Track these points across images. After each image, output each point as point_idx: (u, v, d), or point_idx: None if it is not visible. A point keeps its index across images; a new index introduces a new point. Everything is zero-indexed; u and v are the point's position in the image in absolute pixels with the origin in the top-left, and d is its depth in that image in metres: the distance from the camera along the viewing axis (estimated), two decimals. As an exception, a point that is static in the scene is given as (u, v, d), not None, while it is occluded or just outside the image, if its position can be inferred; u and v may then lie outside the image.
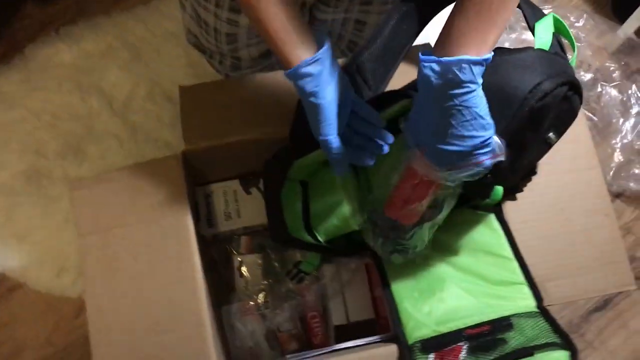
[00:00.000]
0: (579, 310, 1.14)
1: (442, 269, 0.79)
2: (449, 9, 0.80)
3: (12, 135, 1.09)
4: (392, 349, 0.75)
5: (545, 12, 1.12)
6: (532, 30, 0.68)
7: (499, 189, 0.68)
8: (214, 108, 0.83)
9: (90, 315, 0.75)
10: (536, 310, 0.73)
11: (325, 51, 0.60)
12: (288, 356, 0.91)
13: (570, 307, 1.14)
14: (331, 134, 0.63)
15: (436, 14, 0.80)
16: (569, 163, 0.82)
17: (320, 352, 0.84)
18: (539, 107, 0.61)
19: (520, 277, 0.75)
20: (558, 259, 0.78)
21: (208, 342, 0.74)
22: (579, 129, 0.84)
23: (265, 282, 0.94)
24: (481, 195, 0.69)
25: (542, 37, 0.66)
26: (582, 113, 0.84)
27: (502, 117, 0.61)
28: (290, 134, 0.79)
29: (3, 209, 1.06)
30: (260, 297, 0.93)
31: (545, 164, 0.79)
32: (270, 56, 0.99)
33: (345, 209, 0.77)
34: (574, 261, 0.78)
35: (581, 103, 0.67)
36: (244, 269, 0.95)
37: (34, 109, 1.10)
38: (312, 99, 0.62)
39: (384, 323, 0.89)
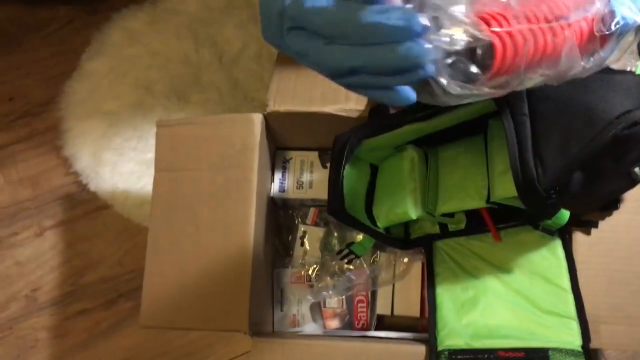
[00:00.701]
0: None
1: (492, 284, 0.76)
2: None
3: (130, 69, 1.18)
4: (422, 349, 0.74)
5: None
6: (640, 54, 0.63)
7: (565, 213, 0.64)
8: (305, 77, 0.85)
9: (150, 246, 0.81)
10: (580, 349, 0.69)
11: None
12: (324, 330, 0.92)
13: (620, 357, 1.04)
14: None
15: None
16: (660, 207, 0.76)
17: (352, 335, 0.84)
18: (624, 136, 0.56)
19: (572, 311, 0.71)
20: (621, 303, 0.72)
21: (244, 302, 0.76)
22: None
23: (321, 256, 0.95)
24: (543, 214, 0.65)
25: (649, 63, 0.61)
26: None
27: (580, 138, 0.57)
28: (370, 111, 0.79)
29: (107, 135, 1.15)
30: (313, 270, 0.94)
31: (632, 200, 0.74)
32: None
33: (408, 197, 0.76)
34: (637, 310, 0.72)
35: (680, 143, 0.61)
36: (306, 240, 0.97)
37: (152, 49, 1.18)
38: None
39: (426, 325, 0.88)
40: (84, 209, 1.13)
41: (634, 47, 0.68)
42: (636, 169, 0.61)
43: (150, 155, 1.12)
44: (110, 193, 1.13)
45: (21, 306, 1.09)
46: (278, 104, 0.82)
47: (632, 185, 0.64)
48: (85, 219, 1.13)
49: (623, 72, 0.61)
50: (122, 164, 1.13)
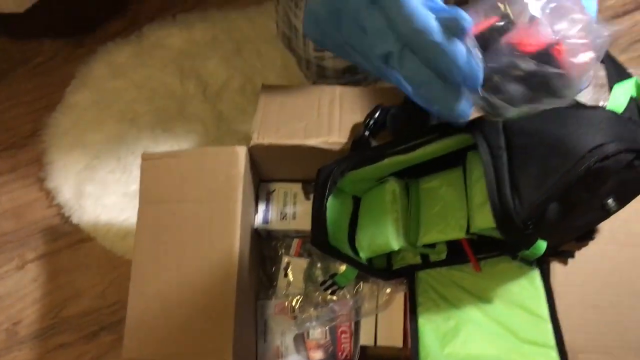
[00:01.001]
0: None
1: (472, 314, 0.77)
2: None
3: (114, 101, 1.19)
4: (405, 379, 0.75)
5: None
6: (610, 89, 0.66)
7: (542, 244, 0.65)
8: (289, 110, 0.87)
9: (133, 278, 0.81)
10: (558, 378, 0.70)
11: None
12: (309, 363, 0.92)
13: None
14: None
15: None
16: (633, 237, 0.78)
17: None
18: (597, 169, 0.58)
19: (551, 340, 0.72)
20: (598, 332, 0.74)
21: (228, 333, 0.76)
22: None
23: (304, 287, 0.95)
24: (521, 245, 0.67)
25: (618, 99, 0.64)
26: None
27: (555, 171, 0.59)
28: (352, 144, 0.81)
29: (90, 167, 1.15)
30: (297, 301, 0.95)
31: (606, 230, 0.76)
32: (356, 73, 1.01)
33: (390, 228, 0.77)
34: (615, 339, 0.73)
35: (651, 175, 0.64)
36: (289, 271, 0.97)
37: (137, 81, 1.20)
38: None
39: (409, 355, 0.88)
40: (66, 241, 1.13)
41: (605, 81, 0.71)
42: (609, 201, 0.64)
43: (134, 187, 1.13)
44: (93, 225, 1.13)
45: (1, 340, 1.08)
46: (262, 137, 0.84)
47: (606, 216, 0.66)
48: (67, 252, 1.12)
49: (594, 107, 0.64)
50: (105, 196, 1.14)
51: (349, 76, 1.02)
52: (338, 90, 0.88)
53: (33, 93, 1.24)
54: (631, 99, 0.65)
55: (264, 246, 1.00)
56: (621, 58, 1.17)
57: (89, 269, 1.11)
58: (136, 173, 1.13)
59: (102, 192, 1.14)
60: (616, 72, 0.66)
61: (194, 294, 0.78)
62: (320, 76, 1.04)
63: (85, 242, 1.13)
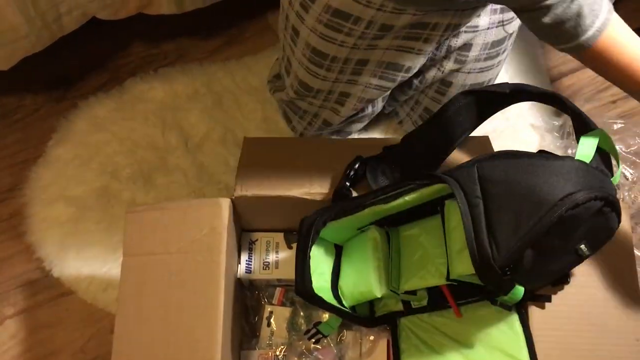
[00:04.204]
0: None
1: (454, 359, 0.78)
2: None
3: (95, 155, 1.20)
4: None
5: (618, 125, 1.12)
6: (578, 141, 0.69)
7: (520, 289, 0.68)
8: (271, 162, 0.89)
9: (117, 331, 0.80)
10: (541, 420, 0.71)
11: None
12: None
13: None
14: None
15: (496, 112, 0.84)
16: (607, 280, 0.80)
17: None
18: (568, 217, 0.61)
19: (533, 383, 0.74)
20: (577, 374, 0.76)
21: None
22: (624, 248, 0.82)
23: (288, 336, 0.96)
24: (499, 290, 0.69)
25: (585, 149, 0.67)
26: (629, 233, 0.82)
27: (529, 219, 0.62)
28: (333, 195, 0.83)
29: (71, 220, 1.15)
30: (280, 350, 0.95)
31: (580, 275, 0.79)
32: (354, 118, 1.05)
33: (372, 276, 0.79)
34: (593, 380, 0.75)
35: (619, 222, 0.67)
36: (272, 320, 0.98)
37: (119, 135, 1.21)
38: None
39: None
40: (47, 295, 1.12)
41: (571, 129, 0.74)
42: (582, 246, 0.66)
43: (116, 238, 1.13)
44: (74, 278, 1.12)
45: (-20, 399, 1.05)
46: (245, 189, 0.86)
47: (579, 260, 0.69)
48: (47, 306, 1.11)
49: (563, 157, 0.67)
50: (86, 249, 1.13)
51: (348, 122, 1.06)
52: (319, 141, 0.91)
53: (13, 147, 1.24)
54: (598, 148, 0.68)
55: (247, 295, 1.01)
56: (586, 107, 1.23)
57: (69, 323, 1.10)
58: (117, 225, 1.14)
59: (83, 245, 1.13)
60: (583, 124, 0.70)
61: (178, 346, 0.78)
62: (320, 129, 1.07)
63: (66, 296, 1.12)
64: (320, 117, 1.05)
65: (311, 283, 0.76)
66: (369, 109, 1.03)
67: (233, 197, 0.86)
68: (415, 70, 0.92)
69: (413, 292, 0.84)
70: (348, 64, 0.87)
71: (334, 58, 0.85)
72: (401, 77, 0.91)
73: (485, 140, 0.90)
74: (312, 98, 0.99)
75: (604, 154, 0.69)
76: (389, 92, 0.98)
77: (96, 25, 1.14)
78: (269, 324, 0.98)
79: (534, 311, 0.78)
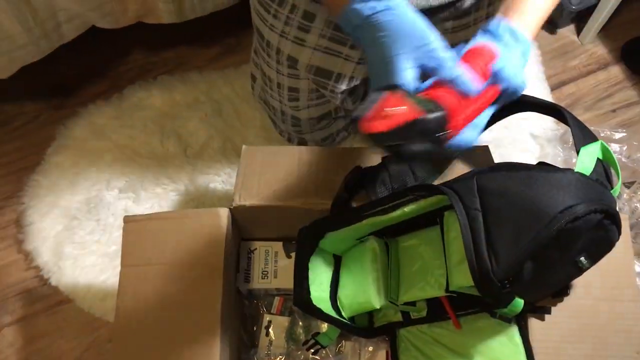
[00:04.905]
0: None
1: (454, 371, 0.78)
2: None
3: (94, 163, 1.20)
4: None
5: (618, 134, 1.11)
6: (578, 153, 0.69)
7: (519, 301, 0.67)
8: (270, 171, 0.89)
9: (115, 341, 0.80)
10: None
11: None
12: None
13: None
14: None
15: (495, 123, 0.83)
16: (607, 292, 0.80)
17: None
18: (568, 229, 0.61)
19: (532, 395, 0.73)
20: (577, 386, 0.75)
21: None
22: (625, 260, 0.82)
23: (287, 346, 0.95)
24: (499, 303, 0.69)
25: (585, 161, 0.67)
26: (630, 244, 0.82)
27: (529, 231, 0.61)
28: (332, 205, 0.83)
29: (68, 229, 1.15)
30: (279, 361, 0.95)
31: (580, 286, 0.79)
32: (328, 120, 1.04)
33: (371, 287, 0.79)
34: (593, 393, 0.75)
35: (619, 234, 0.66)
36: (271, 330, 0.97)
37: (117, 142, 1.21)
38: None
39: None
40: (44, 304, 1.11)
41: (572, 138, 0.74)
42: (581, 258, 0.66)
43: (114, 247, 1.13)
44: (72, 287, 1.12)
45: (-24, 408, 1.05)
46: (244, 199, 0.85)
47: (579, 273, 0.68)
48: (45, 315, 1.11)
49: (563, 169, 0.67)
50: (84, 258, 1.13)
51: (323, 123, 1.06)
52: (317, 150, 0.90)
53: (12, 154, 1.24)
54: (598, 160, 0.68)
55: (245, 305, 1.00)
56: (586, 115, 1.23)
57: (67, 332, 1.09)
58: (115, 234, 1.14)
59: (82, 253, 1.13)
60: (582, 135, 0.70)
61: (177, 356, 0.77)
62: (295, 126, 1.07)
63: (64, 305, 1.11)
64: (287, 114, 1.05)
65: (309, 294, 0.75)
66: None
67: (232, 207, 0.85)
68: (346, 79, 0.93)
69: (412, 303, 0.84)
70: (280, 54, 0.90)
71: (267, 42, 0.90)
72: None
73: (485, 150, 0.90)
74: (270, 89, 1.00)
75: (604, 166, 0.69)
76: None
77: (96, 33, 1.15)
78: (267, 334, 0.97)
79: (533, 323, 0.78)
